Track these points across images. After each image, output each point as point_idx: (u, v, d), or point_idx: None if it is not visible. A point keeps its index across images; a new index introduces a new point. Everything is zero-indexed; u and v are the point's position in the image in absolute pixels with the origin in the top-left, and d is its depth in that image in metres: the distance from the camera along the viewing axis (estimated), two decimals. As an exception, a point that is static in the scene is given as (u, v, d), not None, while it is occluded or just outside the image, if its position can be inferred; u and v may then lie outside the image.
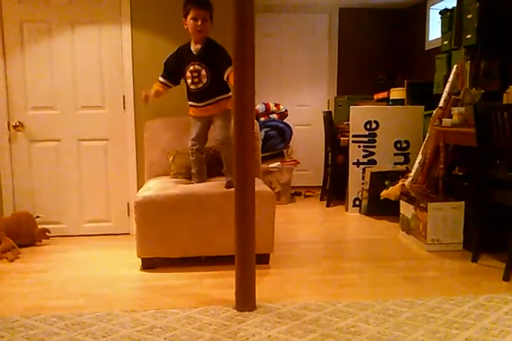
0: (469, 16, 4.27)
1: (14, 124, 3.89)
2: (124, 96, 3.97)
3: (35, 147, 3.95)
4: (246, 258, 2.42)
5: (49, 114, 3.94)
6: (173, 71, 3.26)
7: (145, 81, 3.95)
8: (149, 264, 3.15)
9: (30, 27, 3.86)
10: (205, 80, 3.16)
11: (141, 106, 3.97)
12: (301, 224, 4.55)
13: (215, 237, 3.12)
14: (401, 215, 4.01)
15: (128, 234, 4.04)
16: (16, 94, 3.89)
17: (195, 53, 3.16)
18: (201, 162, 3.37)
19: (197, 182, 3.33)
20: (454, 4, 4.58)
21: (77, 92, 3.95)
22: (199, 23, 3.07)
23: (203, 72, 3.14)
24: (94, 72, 3.95)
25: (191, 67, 3.16)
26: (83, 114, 3.97)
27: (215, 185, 3.23)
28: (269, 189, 3.25)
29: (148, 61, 3.96)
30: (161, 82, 3.29)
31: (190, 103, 3.30)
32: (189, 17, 3.10)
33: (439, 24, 4.92)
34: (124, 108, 3.98)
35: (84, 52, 3.93)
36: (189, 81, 3.21)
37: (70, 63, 3.92)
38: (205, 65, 3.14)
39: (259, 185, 3.15)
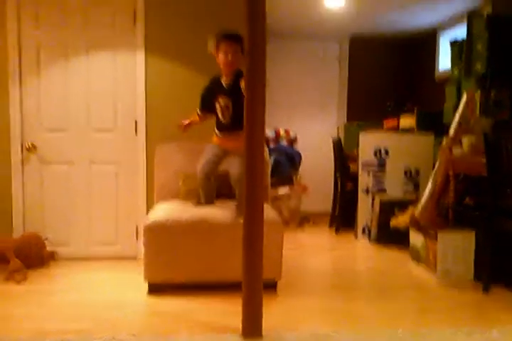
0: (479, 46, 4.31)
1: (27, 146, 3.94)
2: (136, 121, 4.02)
3: (47, 169, 3.99)
4: (253, 285, 2.40)
5: (62, 136, 3.99)
6: (209, 104, 3.32)
7: (157, 106, 4.01)
8: (156, 289, 3.13)
9: (47, 51, 3.94)
10: (231, 113, 3.21)
11: (152, 131, 4.02)
12: (309, 250, 4.51)
13: (223, 263, 3.10)
14: (411, 244, 3.97)
15: (135, 257, 4.03)
16: (30, 116, 3.95)
17: (225, 87, 3.22)
18: (209, 187, 3.38)
19: (205, 204, 3.35)
20: (464, 35, 4.64)
21: (91, 115, 4.00)
22: (229, 57, 3.12)
23: (231, 105, 3.20)
24: (108, 96, 4.01)
25: (221, 100, 3.22)
26: (95, 136, 4.01)
27: (224, 210, 3.23)
28: (277, 215, 3.24)
29: (161, 86, 4.02)
30: (199, 115, 3.40)
31: (216, 132, 3.35)
32: (220, 51, 3.15)
33: (449, 54, 4.97)
34: (136, 132, 4.02)
35: (99, 76, 4.00)
36: (219, 114, 3.27)
37: (84, 87, 3.99)
38: (234, 98, 3.16)
39: (268, 211, 3.15)
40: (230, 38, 3.12)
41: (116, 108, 4.02)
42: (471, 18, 4.48)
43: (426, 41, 6.19)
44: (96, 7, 3.94)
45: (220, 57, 3.16)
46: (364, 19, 5.58)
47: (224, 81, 3.22)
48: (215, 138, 3.37)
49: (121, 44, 3.98)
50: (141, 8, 3.95)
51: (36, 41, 3.92)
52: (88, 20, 3.95)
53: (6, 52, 3.87)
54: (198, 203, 3.37)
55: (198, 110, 3.40)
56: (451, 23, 5.48)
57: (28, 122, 3.95)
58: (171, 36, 4.02)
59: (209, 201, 3.38)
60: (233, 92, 3.15)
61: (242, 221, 2.41)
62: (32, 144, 3.94)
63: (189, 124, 3.44)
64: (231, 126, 3.22)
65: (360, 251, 4.54)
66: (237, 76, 3.17)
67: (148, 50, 3.99)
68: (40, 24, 3.92)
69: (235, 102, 3.17)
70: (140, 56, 3.98)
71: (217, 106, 3.25)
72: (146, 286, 3.16)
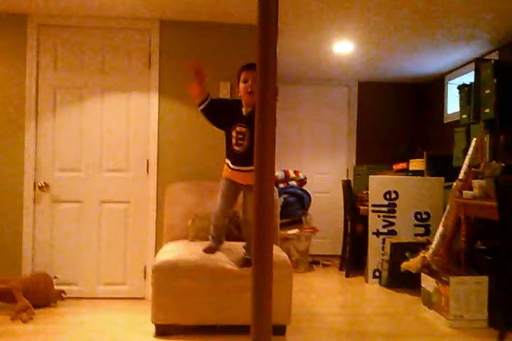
0: (487, 91, 4.37)
1: (40, 185, 3.98)
2: (147, 161, 4.07)
3: (58, 208, 4.02)
4: (262, 328, 2.36)
5: (74, 175, 4.04)
6: (216, 109, 3.13)
7: (169, 147, 4.08)
8: (163, 331, 3.08)
9: (63, 93, 4.05)
10: (246, 143, 3.05)
11: (164, 171, 4.06)
12: (319, 294, 4.44)
13: (231, 305, 3.06)
14: (422, 288, 3.90)
15: (143, 298, 3.99)
16: (45, 155, 4.02)
17: (244, 114, 3.07)
18: (222, 228, 3.25)
19: (214, 246, 3.24)
20: (472, 79, 4.71)
21: (103, 155, 4.06)
22: (249, 83, 3.01)
23: (248, 134, 3.03)
24: (121, 136, 4.08)
25: (238, 128, 3.07)
26: (107, 176, 4.06)
27: (233, 252, 3.21)
28: (286, 257, 3.22)
29: (173, 127, 4.09)
30: (202, 101, 3.13)
31: (227, 162, 3.19)
32: (241, 80, 3.08)
33: (457, 98, 5.03)
34: (148, 172, 4.07)
35: (113, 118, 4.08)
36: (233, 141, 3.10)
37: (98, 127, 4.07)
38: (251, 128, 3.03)
39: (277, 253, 3.13)
40: (250, 67, 3.03)
41: (129, 148, 4.08)
42: (479, 63, 4.56)
43: (433, 85, 6.28)
44: (112, 51, 4.08)
45: (241, 87, 3.06)
46: (372, 65, 5.70)
47: (244, 109, 3.09)
48: (227, 172, 3.19)
49: (136, 87, 4.09)
50: (156, 52, 4.08)
51: (53, 83, 4.04)
52: (104, 64, 4.08)
53: (24, 92, 3.99)
54: (208, 249, 3.18)
55: (205, 102, 3.10)
56: (458, 68, 5.58)
57: (41, 161, 4.02)
58: (184, 80, 4.11)
59: (218, 243, 3.25)
60: (251, 123, 2.99)
61: (250, 262, 2.38)
62: (44, 183, 3.99)
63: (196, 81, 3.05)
64: (246, 158, 3.04)
65: (370, 295, 4.47)
66: None
67: (162, 93, 4.08)
68: (58, 67, 4.05)
69: (252, 133, 3.02)
70: (154, 98, 4.07)
71: (234, 133, 3.09)
72: (153, 328, 3.11)
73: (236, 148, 3.10)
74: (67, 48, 4.05)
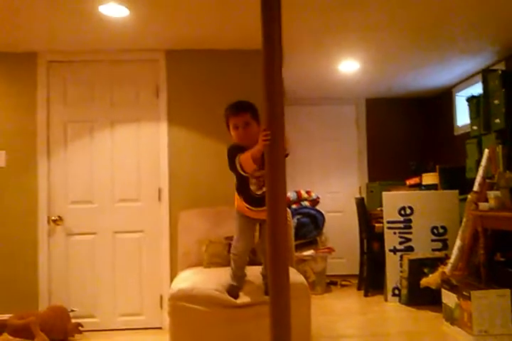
0: (496, 102, 4.35)
1: (54, 218, 3.99)
2: (159, 189, 4.08)
3: (72, 240, 4.02)
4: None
5: (87, 207, 4.05)
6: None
7: (180, 174, 4.08)
8: (182, 361, 3.02)
9: (74, 126, 4.10)
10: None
11: (175, 198, 4.06)
12: (338, 315, 4.37)
13: (250, 333, 2.99)
14: (443, 304, 3.82)
15: (160, 328, 3.94)
16: (58, 189, 4.05)
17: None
18: (245, 265, 3.08)
19: (238, 285, 3.05)
20: (479, 91, 4.69)
21: (115, 186, 4.08)
22: (240, 130, 2.79)
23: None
24: (132, 166, 4.10)
25: (258, 173, 2.78)
26: (120, 206, 4.07)
27: (251, 279, 3.15)
28: (303, 279, 3.17)
29: (184, 155, 4.10)
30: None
31: (246, 206, 2.92)
32: (231, 127, 2.83)
33: (467, 110, 5.01)
34: (160, 200, 4.07)
35: (123, 148, 4.11)
36: (254, 187, 2.86)
37: (109, 158, 4.09)
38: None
39: (293, 275, 3.07)
40: (237, 110, 2.83)
41: (140, 177, 4.10)
42: (486, 74, 4.55)
43: (442, 98, 6.27)
44: (120, 83, 4.13)
45: (233, 134, 2.83)
46: (379, 81, 5.71)
47: None
48: (244, 210, 2.96)
49: (145, 117, 4.12)
50: (163, 82, 4.12)
51: (63, 117, 4.10)
52: (113, 96, 4.13)
53: (35, 127, 4.05)
54: (232, 291, 3.00)
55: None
56: (465, 80, 5.57)
57: (54, 195, 4.04)
58: (192, 108, 4.14)
59: (240, 283, 3.05)
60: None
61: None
62: (59, 216, 4.00)
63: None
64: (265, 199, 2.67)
65: (390, 314, 4.38)
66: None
67: (171, 122, 4.11)
68: (68, 101, 4.11)
69: None
70: (163, 127, 4.10)
71: (252, 180, 2.84)
72: (171, 358, 3.06)
73: (258, 192, 2.86)
74: (76, 83, 4.12)
